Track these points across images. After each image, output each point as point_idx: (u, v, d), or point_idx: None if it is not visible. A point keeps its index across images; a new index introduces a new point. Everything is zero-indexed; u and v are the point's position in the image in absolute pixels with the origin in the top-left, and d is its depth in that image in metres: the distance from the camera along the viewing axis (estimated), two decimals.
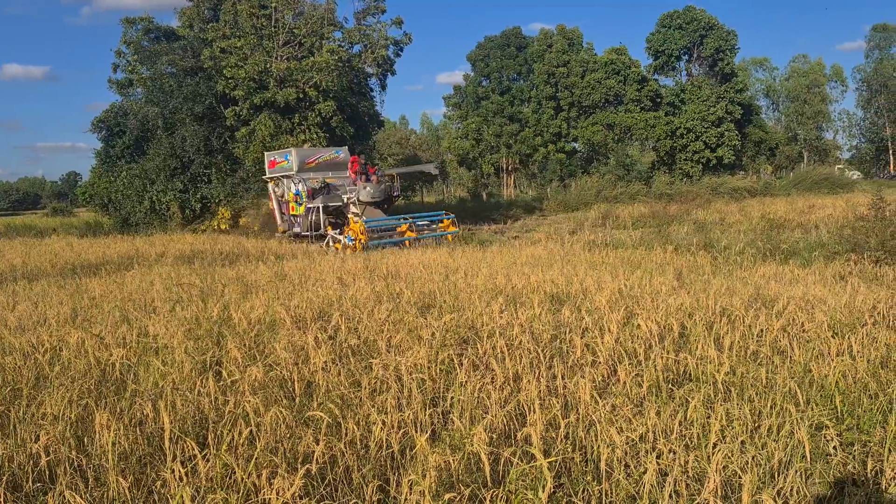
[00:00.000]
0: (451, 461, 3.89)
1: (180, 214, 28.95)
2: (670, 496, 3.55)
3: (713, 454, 3.83)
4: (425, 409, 4.75)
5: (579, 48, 57.45)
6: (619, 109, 55.12)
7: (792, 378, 5.16)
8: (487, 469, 3.67)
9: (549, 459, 3.61)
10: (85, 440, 4.51)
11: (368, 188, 22.80)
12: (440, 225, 22.88)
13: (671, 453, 4.07)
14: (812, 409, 4.65)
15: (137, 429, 4.56)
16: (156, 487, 3.93)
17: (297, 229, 23.36)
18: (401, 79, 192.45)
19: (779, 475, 3.78)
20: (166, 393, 5.13)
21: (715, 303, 7.58)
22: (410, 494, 3.62)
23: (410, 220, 22.32)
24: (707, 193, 38.60)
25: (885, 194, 14.97)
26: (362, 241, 20.02)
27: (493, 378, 5.19)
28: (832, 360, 5.56)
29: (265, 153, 25.75)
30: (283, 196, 24.13)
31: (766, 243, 15.68)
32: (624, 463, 3.99)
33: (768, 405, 4.67)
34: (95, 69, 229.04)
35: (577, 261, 13.87)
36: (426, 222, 22.94)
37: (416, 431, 4.41)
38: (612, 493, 3.69)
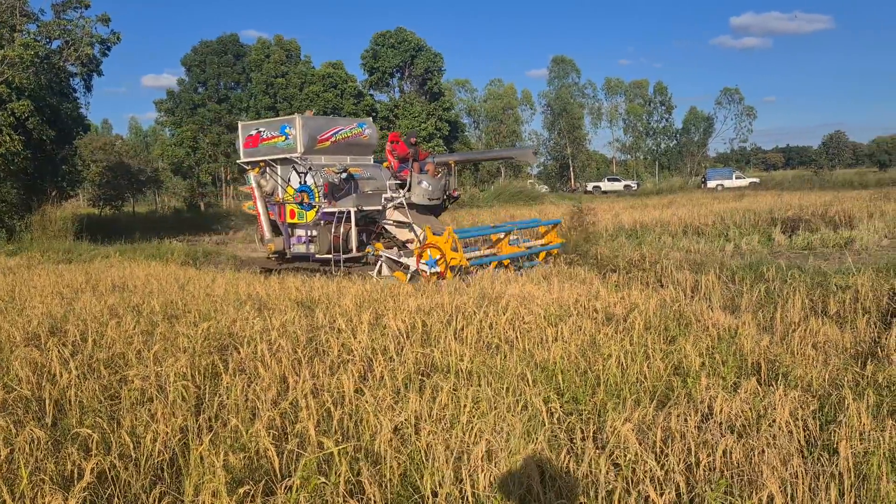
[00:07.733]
0: (234, 460, 4.02)
1: None
2: (442, 464, 4.04)
3: (468, 430, 4.41)
4: (196, 415, 4.77)
5: (297, 60, 57.85)
6: None
7: (521, 362, 6.00)
8: (276, 462, 3.87)
9: (340, 447, 3.91)
10: None
11: (424, 183, 14.54)
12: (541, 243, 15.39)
13: (432, 434, 4.58)
14: (540, 386, 5.48)
15: None
16: None
17: (300, 248, 14.66)
18: (101, 80, 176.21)
19: (528, 438, 4.45)
20: None
21: (450, 302, 8.38)
22: (198, 497, 3.68)
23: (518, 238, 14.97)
24: None
25: (578, 204, 17.20)
26: (450, 268, 12.22)
27: (259, 380, 5.34)
28: (550, 345, 6.53)
29: (240, 123, 16.34)
30: (273, 193, 15.26)
31: None
32: (394, 445, 4.42)
33: (505, 386, 5.42)
34: None
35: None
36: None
37: (191, 436, 4.44)
38: (390, 472, 4.09)
